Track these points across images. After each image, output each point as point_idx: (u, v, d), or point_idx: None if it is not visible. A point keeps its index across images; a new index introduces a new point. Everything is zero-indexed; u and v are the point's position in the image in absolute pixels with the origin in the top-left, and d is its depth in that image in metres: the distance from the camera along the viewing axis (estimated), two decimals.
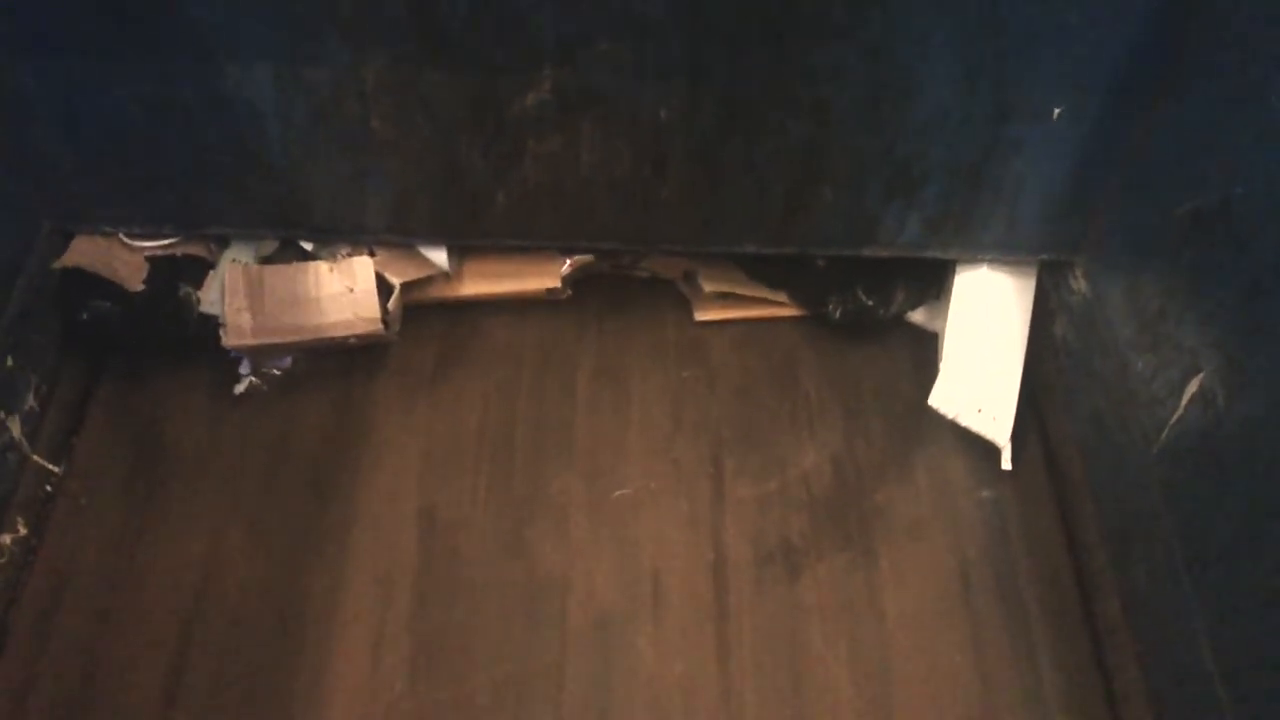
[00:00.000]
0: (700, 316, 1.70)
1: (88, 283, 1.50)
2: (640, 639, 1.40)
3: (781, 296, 1.69)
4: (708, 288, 1.67)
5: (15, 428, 1.43)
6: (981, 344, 1.56)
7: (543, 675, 1.36)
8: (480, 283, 1.64)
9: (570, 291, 1.68)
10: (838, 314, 1.63)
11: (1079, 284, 1.49)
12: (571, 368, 1.66)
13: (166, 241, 1.52)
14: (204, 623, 1.40)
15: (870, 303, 1.62)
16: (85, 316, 1.51)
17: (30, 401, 1.46)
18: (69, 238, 1.52)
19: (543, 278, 1.63)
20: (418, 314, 1.65)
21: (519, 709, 1.34)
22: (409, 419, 1.59)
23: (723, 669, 1.38)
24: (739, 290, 1.67)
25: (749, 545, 1.48)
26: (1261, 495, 1.07)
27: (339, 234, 1.50)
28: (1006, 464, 1.54)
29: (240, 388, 1.60)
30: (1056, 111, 1.31)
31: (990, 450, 1.56)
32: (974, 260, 1.56)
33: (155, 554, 1.45)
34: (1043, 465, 1.56)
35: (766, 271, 1.67)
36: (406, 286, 1.58)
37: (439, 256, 1.56)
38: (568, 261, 1.62)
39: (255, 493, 1.52)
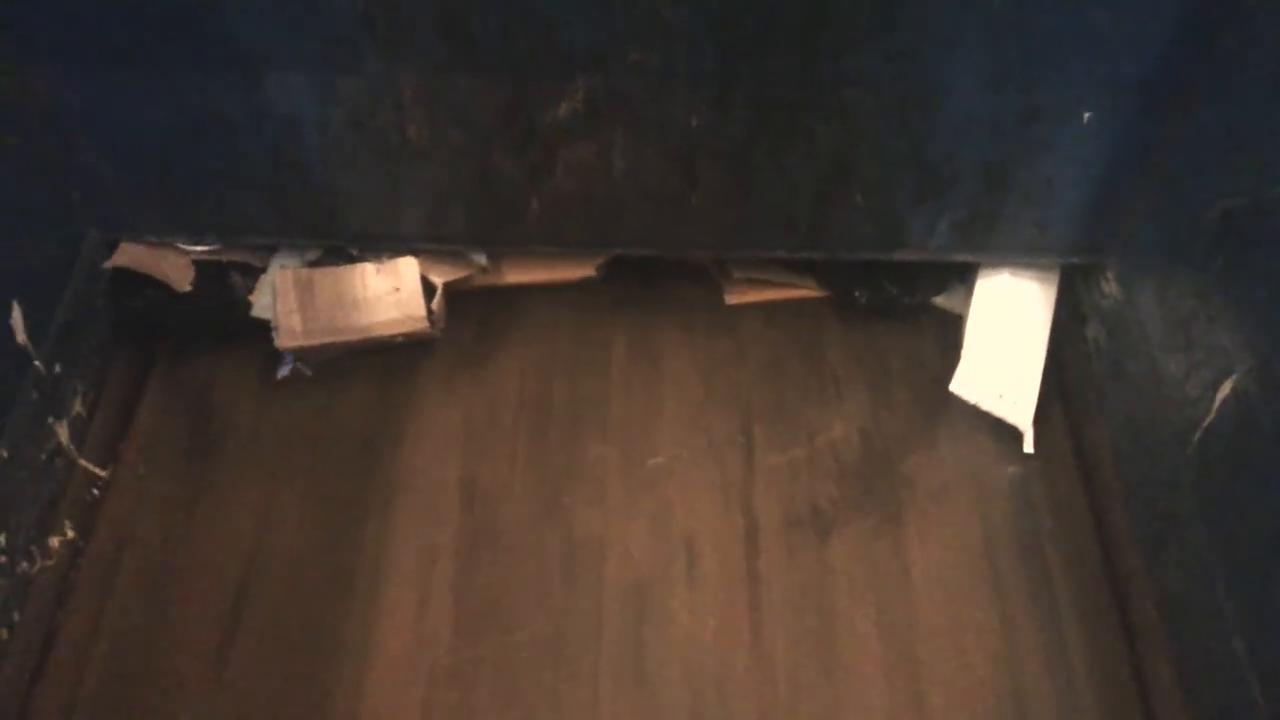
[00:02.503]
0: (731, 300, 1.74)
1: (137, 277, 1.55)
2: (674, 600, 1.44)
3: (809, 282, 1.72)
4: (738, 272, 1.71)
5: (63, 433, 1.46)
6: (1003, 327, 1.59)
7: (580, 634, 1.41)
8: (518, 273, 1.69)
9: (605, 272, 1.72)
10: (864, 302, 1.67)
11: (1110, 286, 1.48)
12: (605, 344, 1.71)
13: (211, 248, 1.55)
14: (255, 588, 1.46)
15: (895, 291, 1.65)
16: (139, 304, 1.56)
17: (78, 407, 1.50)
18: (113, 248, 1.55)
19: (578, 268, 1.68)
20: (457, 296, 1.69)
21: (558, 665, 1.39)
22: (450, 393, 1.65)
23: (754, 628, 1.42)
24: (768, 276, 1.71)
25: (779, 510, 1.53)
26: None
27: (376, 241, 1.53)
28: (1029, 447, 1.56)
29: (284, 371, 1.65)
30: (1086, 114, 1.31)
31: (1014, 428, 1.58)
32: (1002, 264, 1.56)
33: (207, 526, 1.52)
34: (1070, 451, 1.58)
35: (794, 260, 1.68)
36: (449, 283, 1.62)
37: (478, 256, 1.60)
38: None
39: (303, 465, 1.57)
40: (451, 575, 1.46)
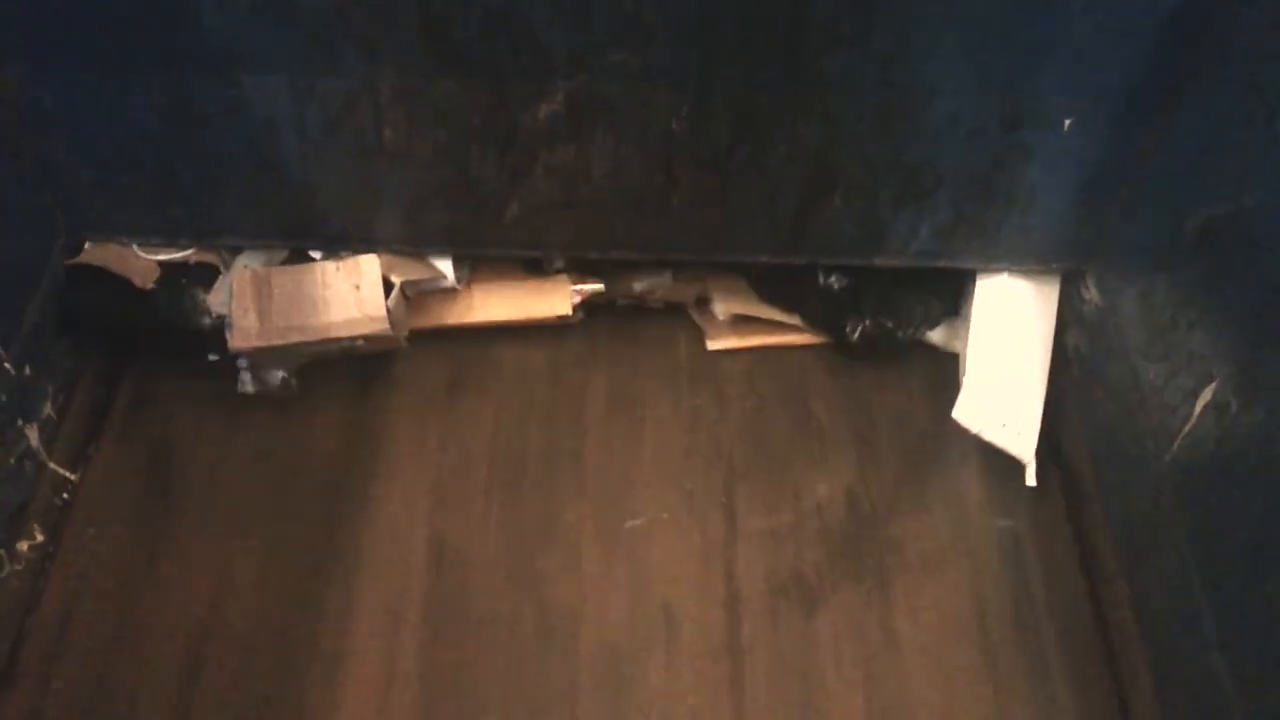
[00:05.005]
0: (713, 346, 1.69)
1: (92, 277, 1.51)
2: (652, 673, 1.39)
3: (796, 320, 1.68)
4: (721, 308, 1.67)
5: (33, 436, 1.44)
6: (1005, 355, 1.55)
7: (554, 711, 1.36)
8: (490, 309, 1.64)
9: (582, 315, 1.67)
10: (855, 336, 1.62)
11: (1090, 293, 1.48)
12: (582, 394, 1.65)
13: (181, 255, 1.53)
14: (211, 655, 1.39)
15: (889, 324, 1.61)
16: (79, 305, 1.51)
17: (48, 410, 1.48)
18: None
19: (553, 303, 1.63)
20: (428, 340, 1.64)
21: None
22: (419, 445, 1.59)
23: (736, 704, 1.37)
24: (753, 312, 1.66)
25: (762, 578, 1.47)
26: (1275, 504, 1.07)
27: (352, 243, 1.51)
28: (1031, 480, 1.52)
29: (245, 386, 1.60)
30: (1068, 121, 1.31)
31: (1006, 475, 1.55)
32: (987, 270, 1.55)
33: (164, 582, 1.45)
34: (1059, 485, 1.55)
35: (781, 294, 1.66)
36: (421, 309, 1.60)
37: (445, 265, 1.57)
38: (576, 290, 1.63)
39: (264, 520, 1.51)
40: (416, 648, 1.40)
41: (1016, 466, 1.53)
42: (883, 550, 1.50)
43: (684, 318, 1.73)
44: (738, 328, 1.69)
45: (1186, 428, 1.23)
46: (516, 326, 1.66)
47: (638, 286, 1.68)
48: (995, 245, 1.49)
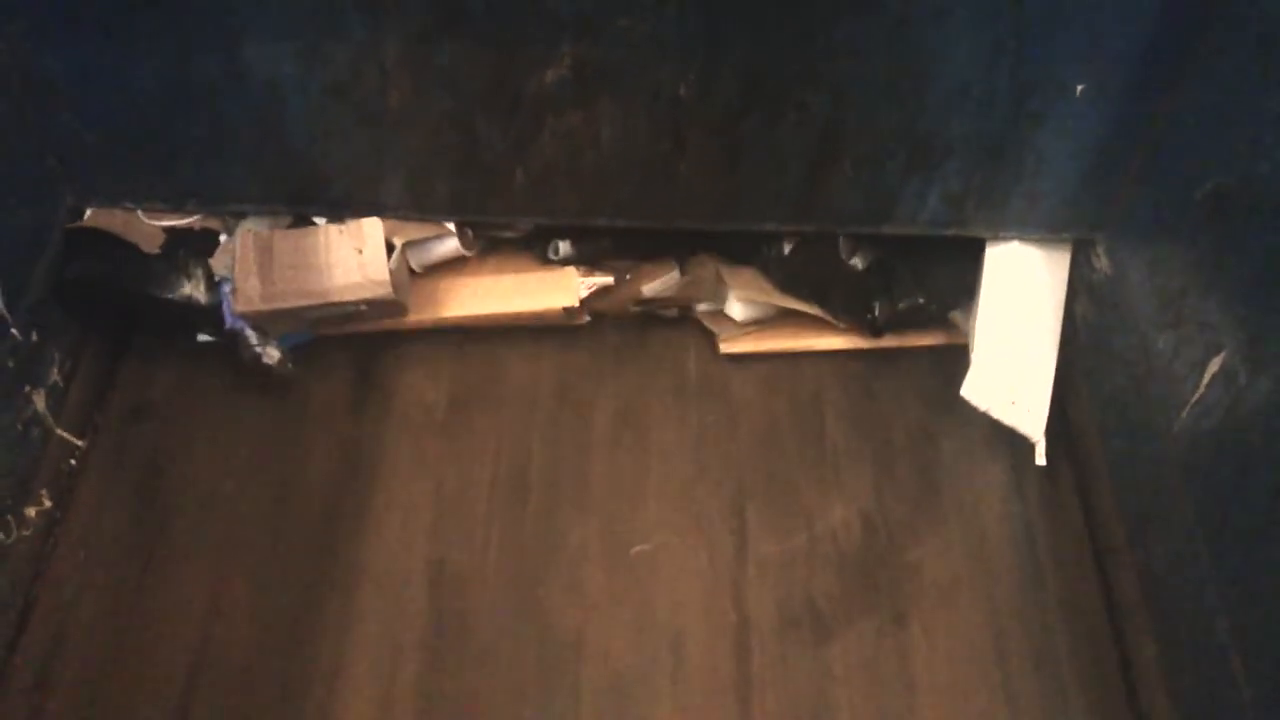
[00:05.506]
0: (726, 349, 1.64)
1: (90, 243, 1.50)
2: (658, 707, 1.35)
3: (812, 308, 1.61)
4: (737, 297, 1.61)
5: (40, 402, 1.45)
6: (1014, 327, 1.53)
7: None
8: (497, 298, 1.61)
9: (588, 318, 1.64)
10: (882, 318, 1.57)
11: (1100, 262, 1.48)
12: (589, 409, 1.60)
13: (186, 220, 1.53)
14: (207, 683, 1.35)
15: (920, 299, 1.56)
16: (72, 275, 1.49)
17: (54, 376, 1.48)
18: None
19: (560, 294, 1.59)
20: (432, 340, 1.61)
21: None
22: (420, 463, 1.54)
23: None
24: (771, 300, 1.61)
25: (773, 607, 1.42)
26: None
27: (357, 209, 1.50)
28: (1041, 459, 1.52)
29: (252, 349, 1.56)
30: (1079, 88, 1.29)
31: (1024, 489, 1.52)
32: (997, 239, 1.54)
33: (157, 608, 1.41)
34: (1076, 499, 1.51)
35: (799, 282, 1.60)
36: (428, 296, 1.58)
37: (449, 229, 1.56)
38: (584, 284, 1.60)
39: (260, 540, 1.47)
40: (415, 677, 1.35)
41: (1041, 484, 1.50)
42: (898, 577, 1.44)
43: (694, 328, 1.67)
44: (752, 331, 1.64)
45: (1195, 397, 1.22)
46: (523, 325, 1.62)
47: (647, 290, 1.63)
48: (1005, 214, 1.48)
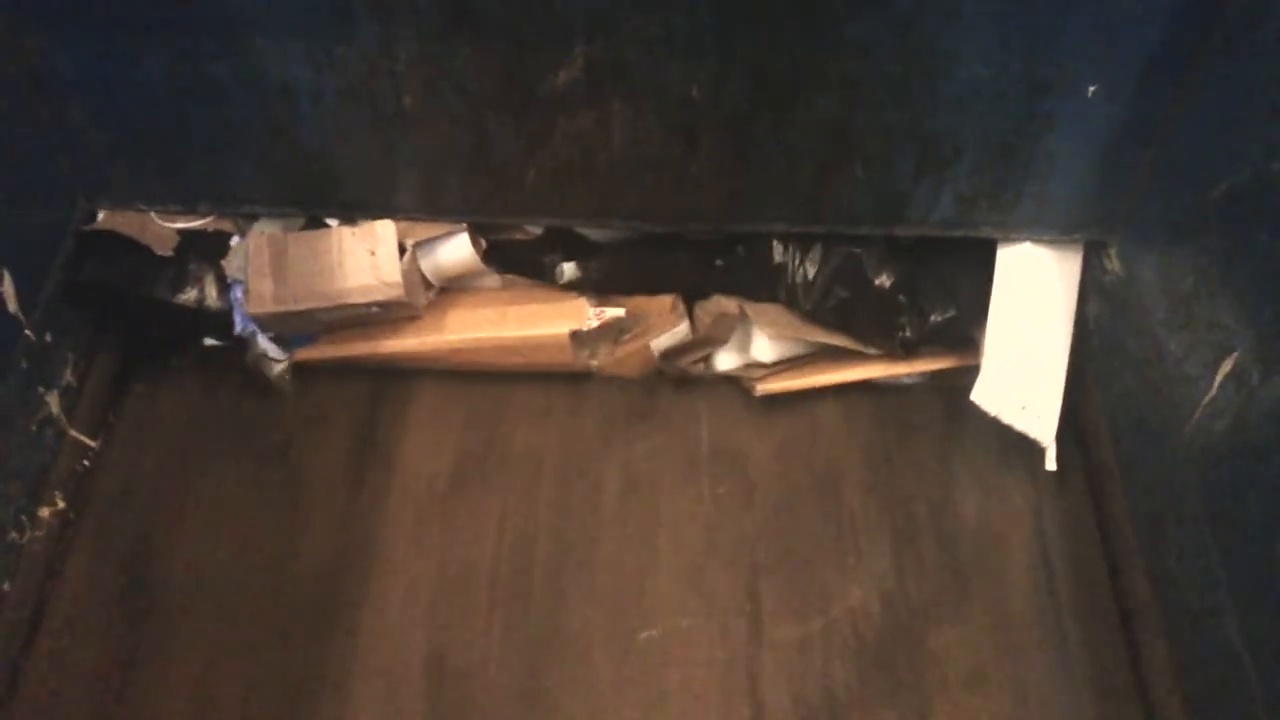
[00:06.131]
0: (764, 389, 1.59)
1: (103, 245, 1.51)
2: None
3: (839, 339, 1.58)
4: (764, 330, 1.57)
5: (54, 403, 1.45)
6: (1025, 330, 1.52)
7: None
8: (506, 325, 1.58)
9: (595, 362, 1.61)
10: (914, 335, 1.54)
11: (1112, 264, 1.47)
12: (596, 480, 1.53)
13: (199, 222, 1.53)
14: None
15: (952, 312, 1.53)
16: (84, 278, 1.50)
17: (68, 377, 1.49)
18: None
19: (568, 320, 1.56)
20: (433, 405, 1.57)
21: None
22: (419, 541, 1.47)
23: None
24: (799, 335, 1.58)
25: (789, 697, 1.35)
26: None
27: (369, 211, 1.51)
28: (1051, 464, 1.51)
29: (260, 351, 1.57)
30: (1091, 88, 1.29)
31: (1056, 574, 1.46)
32: (1008, 240, 1.54)
33: (143, 696, 1.35)
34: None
35: (826, 305, 1.57)
36: (437, 317, 1.58)
37: (461, 237, 1.54)
38: (595, 312, 1.57)
39: (252, 631, 1.40)
40: None
41: (1068, 557, 1.45)
42: (921, 665, 1.37)
43: (706, 392, 1.62)
44: (784, 371, 1.61)
45: (1206, 399, 1.22)
46: (534, 366, 1.59)
47: (657, 346, 1.59)
48: (1016, 215, 1.47)
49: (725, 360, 1.65)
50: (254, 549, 1.47)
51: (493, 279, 1.63)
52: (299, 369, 1.62)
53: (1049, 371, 1.52)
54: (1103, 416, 1.49)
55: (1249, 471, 1.14)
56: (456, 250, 1.56)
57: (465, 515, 1.51)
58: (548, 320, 1.58)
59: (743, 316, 1.59)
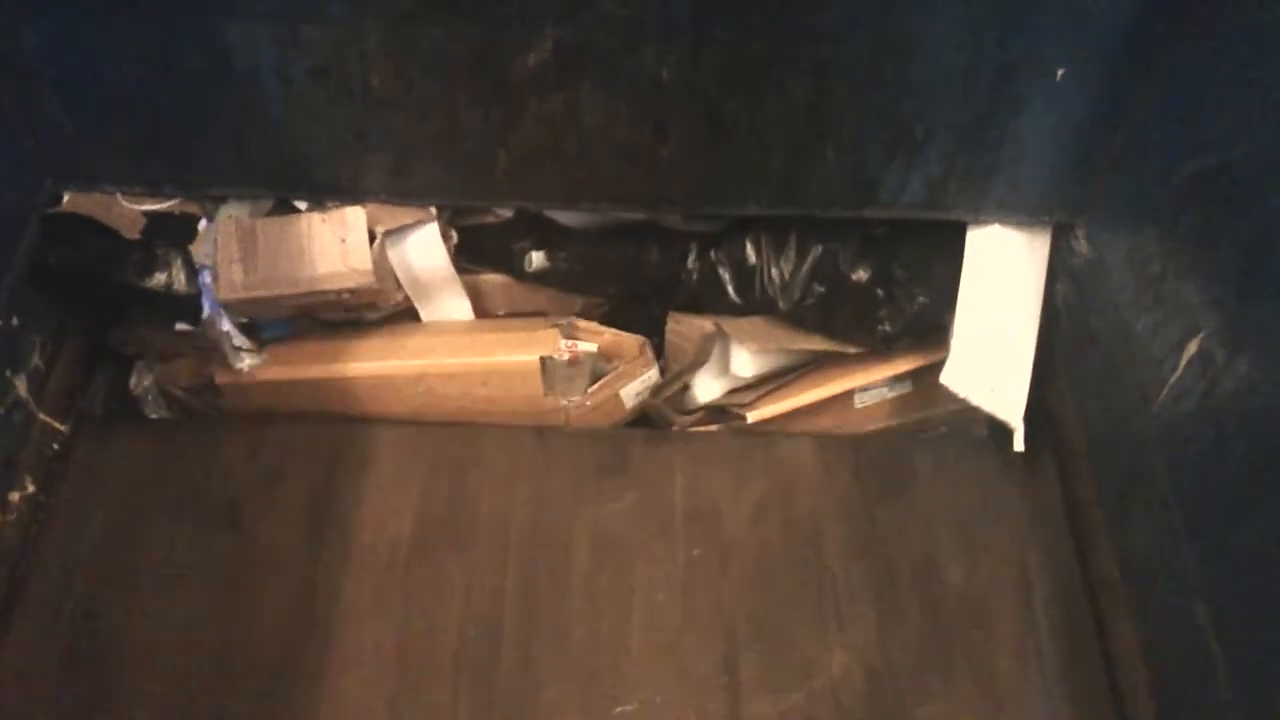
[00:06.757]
0: (756, 417, 1.58)
1: (69, 229, 1.50)
2: None
3: (819, 342, 1.57)
4: (743, 346, 1.55)
5: (21, 386, 1.44)
6: (994, 312, 1.53)
7: None
8: (474, 351, 1.57)
9: (568, 407, 1.59)
10: (892, 328, 1.54)
11: (1080, 246, 1.48)
12: (566, 544, 1.46)
13: (166, 205, 1.52)
14: None
15: (924, 299, 1.53)
16: (50, 262, 1.48)
17: (36, 360, 1.47)
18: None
19: (538, 347, 1.56)
20: (395, 464, 1.51)
21: None
22: (380, 613, 1.39)
23: None
24: (778, 343, 1.56)
25: None
26: (1259, 454, 1.08)
27: (338, 193, 1.50)
28: (1019, 445, 1.51)
29: (233, 342, 1.56)
30: (1060, 71, 1.30)
31: (1045, 635, 1.40)
32: (978, 222, 1.55)
33: None
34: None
35: (801, 315, 1.57)
36: (400, 344, 1.56)
37: (430, 225, 1.54)
38: (565, 344, 1.56)
39: (201, 715, 1.31)
40: None
41: (1063, 623, 1.40)
42: None
43: (680, 443, 1.58)
44: (768, 394, 1.60)
45: (1173, 379, 1.23)
46: (500, 404, 1.55)
47: (627, 395, 1.58)
48: (986, 198, 1.48)
49: (706, 390, 1.65)
50: (205, 627, 1.38)
51: (461, 302, 1.62)
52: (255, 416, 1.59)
53: (1017, 353, 1.53)
54: (1070, 398, 1.50)
55: (1214, 450, 1.16)
56: (426, 246, 1.55)
57: (428, 584, 1.42)
58: (517, 347, 1.57)
59: (720, 334, 1.57)
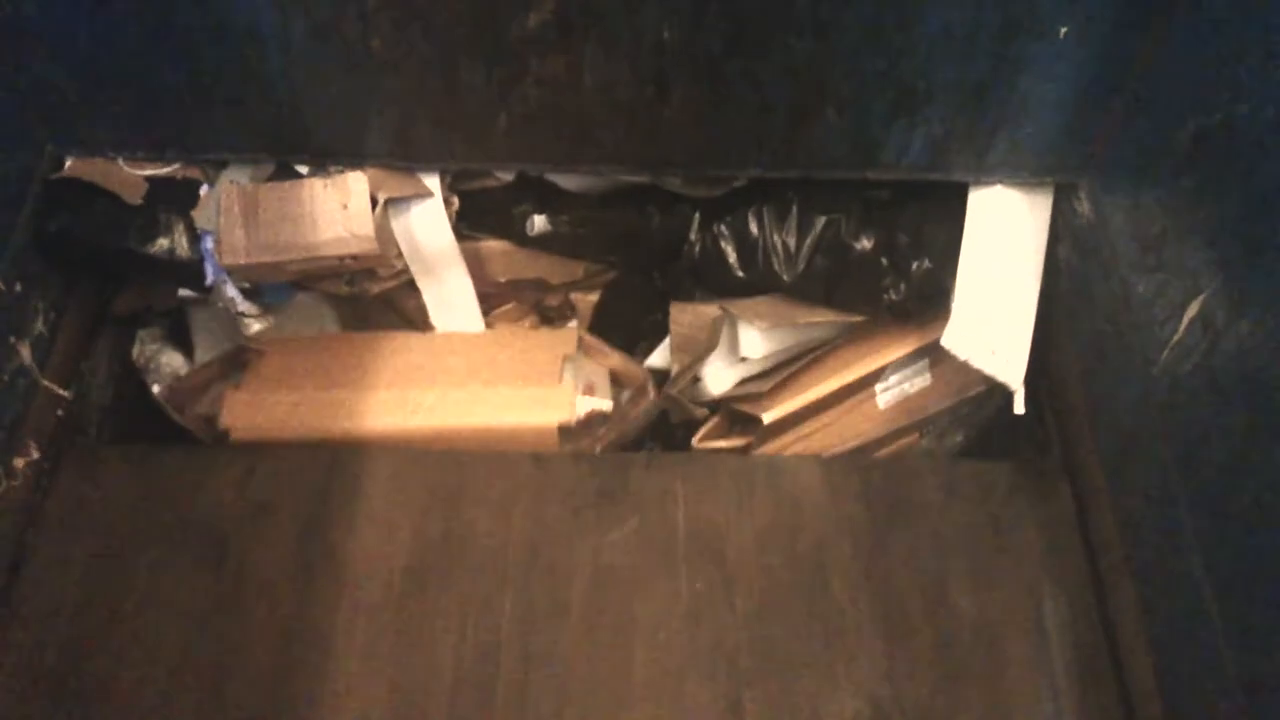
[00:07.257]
0: (771, 417, 1.56)
1: (71, 195, 1.49)
2: None
3: (829, 315, 1.57)
4: (752, 324, 1.54)
5: (25, 353, 1.44)
6: (996, 273, 1.52)
7: None
8: (484, 412, 1.55)
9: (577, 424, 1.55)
10: (900, 295, 1.53)
11: (1082, 206, 1.48)
12: (565, 575, 1.40)
13: (168, 169, 1.52)
14: None
15: (929, 264, 1.52)
16: (53, 229, 1.48)
17: (39, 327, 1.48)
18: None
19: (553, 412, 1.53)
20: (387, 497, 1.46)
21: None
22: (373, 652, 1.34)
23: None
24: (785, 318, 1.54)
25: None
26: (1258, 415, 1.08)
27: (339, 157, 1.49)
28: (1019, 408, 1.51)
29: (236, 308, 1.56)
30: (1063, 30, 1.29)
31: (1058, 676, 1.36)
32: (980, 183, 1.54)
33: None
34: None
35: (808, 289, 1.56)
36: (401, 400, 1.56)
37: (433, 181, 1.53)
38: (581, 406, 1.55)
39: None
40: None
41: (1077, 657, 1.35)
42: None
43: (681, 465, 1.53)
44: (780, 388, 1.58)
45: (1174, 340, 1.23)
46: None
47: (633, 422, 1.58)
48: (988, 158, 1.47)
49: (717, 381, 1.64)
50: (192, 664, 1.33)
51: (463, 280, 1.62)
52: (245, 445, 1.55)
53: (1019, 315, 1.53)
54: (1072, 359, 1.51)
55: (1213, 411, 1.16)
56: (429, 220, 1.54)
57: (423, 620, 1.37)
58: (535, 407, 1.56)
59: (726, 316, 1.57)
